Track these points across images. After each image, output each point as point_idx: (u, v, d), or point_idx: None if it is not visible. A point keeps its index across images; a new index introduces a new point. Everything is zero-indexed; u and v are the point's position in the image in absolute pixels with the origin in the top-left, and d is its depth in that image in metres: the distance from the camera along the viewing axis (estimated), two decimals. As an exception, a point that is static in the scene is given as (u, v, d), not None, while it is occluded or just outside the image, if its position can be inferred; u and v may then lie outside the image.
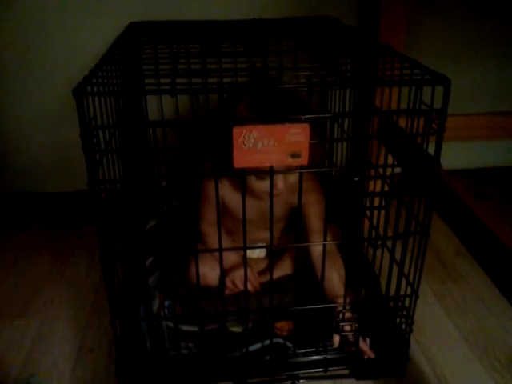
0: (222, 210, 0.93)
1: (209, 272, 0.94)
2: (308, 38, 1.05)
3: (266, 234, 0.94)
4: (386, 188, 0.82)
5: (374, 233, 0.84)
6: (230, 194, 0.92)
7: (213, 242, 0.93)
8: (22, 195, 1.36)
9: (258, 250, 1.05)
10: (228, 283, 0.95)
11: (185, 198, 1.24)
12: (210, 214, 0.94)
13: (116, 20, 1.16)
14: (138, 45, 1.06)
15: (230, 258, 0.94)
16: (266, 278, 0.98)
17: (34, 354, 0.94)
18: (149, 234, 1.14)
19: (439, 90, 0.66)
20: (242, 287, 0.93)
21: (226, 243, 0.91)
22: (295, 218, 1.00)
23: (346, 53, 0.95)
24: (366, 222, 0.93)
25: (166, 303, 0.96)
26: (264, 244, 1.01)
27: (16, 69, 1.21)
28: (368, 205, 0.84)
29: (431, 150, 0.71)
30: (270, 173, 0.67)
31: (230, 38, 1.02)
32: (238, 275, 0.93)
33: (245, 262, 0.77)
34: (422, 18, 1.24)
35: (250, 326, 0.91)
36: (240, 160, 0.65)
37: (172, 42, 1.05)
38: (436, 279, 1.13)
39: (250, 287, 0.93)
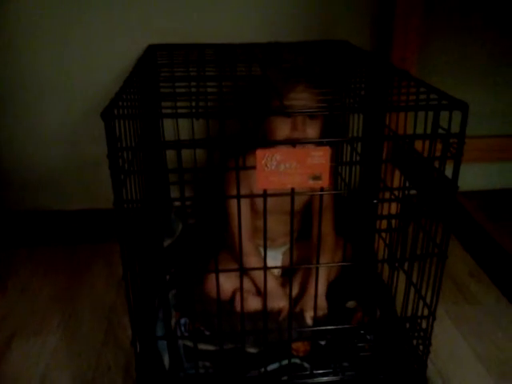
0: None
1: (223, 282, 0.94)
2: (322, 62, 1.07)
3: (284, 235, 1.03)
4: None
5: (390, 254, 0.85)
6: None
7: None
8: (37, 213, 1.37)
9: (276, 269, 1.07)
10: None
11: (202, 216, 1.25)
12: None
13: (134, 41, 1.19)
14: (155, 67, 1.09)
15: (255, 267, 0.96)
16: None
17: (51, 372, 0.95)
18: (165, 252, 1.15)
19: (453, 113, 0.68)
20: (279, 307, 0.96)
21: (251, 250, 0.97)
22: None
23: (361, 77, 0.97)
24: (380, 244, 0.95)
25: (183, 321, 0.96)
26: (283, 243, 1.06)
27: (36, 86, 1.24)
28: (385, 227, 0.85)
29: (445, 172, 0.72)
30: (291, 193, 0.69)
31: (245, 61, 1.04)
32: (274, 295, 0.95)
33: (265, 283, 0.78)
34: (434, 40, 1.26)
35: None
36: (263, 181, 0.67)
37: (189, 64, 1.08)
38: (450, 301, 1.12)
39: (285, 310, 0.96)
